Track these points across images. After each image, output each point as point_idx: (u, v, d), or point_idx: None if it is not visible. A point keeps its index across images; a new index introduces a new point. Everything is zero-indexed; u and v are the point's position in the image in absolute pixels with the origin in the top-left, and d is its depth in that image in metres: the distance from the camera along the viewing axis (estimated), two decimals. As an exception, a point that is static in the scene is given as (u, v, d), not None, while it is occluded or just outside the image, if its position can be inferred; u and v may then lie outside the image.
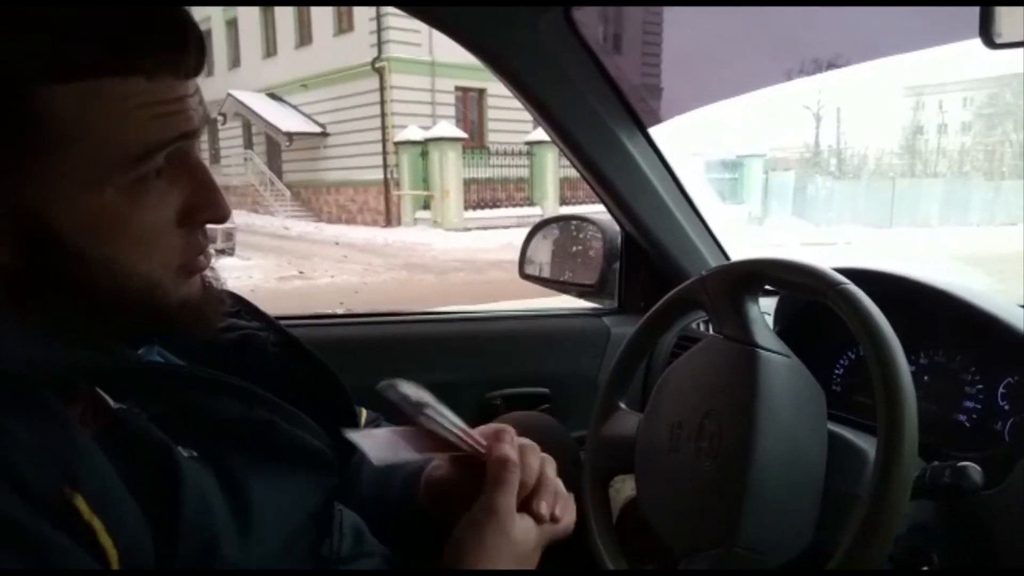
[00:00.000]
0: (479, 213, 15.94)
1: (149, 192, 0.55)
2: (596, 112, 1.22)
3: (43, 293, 0.54)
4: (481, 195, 16.36)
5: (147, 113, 0.52)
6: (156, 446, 0.53)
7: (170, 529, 0.50)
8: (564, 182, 16.94)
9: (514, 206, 16.59)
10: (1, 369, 0.47)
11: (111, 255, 0.54)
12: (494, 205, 16.47)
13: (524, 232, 1.70)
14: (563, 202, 16.72)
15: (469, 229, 14.97)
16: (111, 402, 0.53)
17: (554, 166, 16.58)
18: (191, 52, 0.55)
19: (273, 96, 19.21)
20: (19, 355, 0.49)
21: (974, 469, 0.71)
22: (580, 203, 16.00)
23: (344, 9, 17.23)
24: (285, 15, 19.06)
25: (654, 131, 1.31)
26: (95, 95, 0.50)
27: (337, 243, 13.49)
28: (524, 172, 16.91)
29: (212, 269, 0.65)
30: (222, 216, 0.60)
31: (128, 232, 0.55)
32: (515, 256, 1.69)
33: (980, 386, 0.91)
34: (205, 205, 0.59)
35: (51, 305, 0.55)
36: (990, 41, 0.69)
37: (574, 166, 1.33)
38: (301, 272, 9.75)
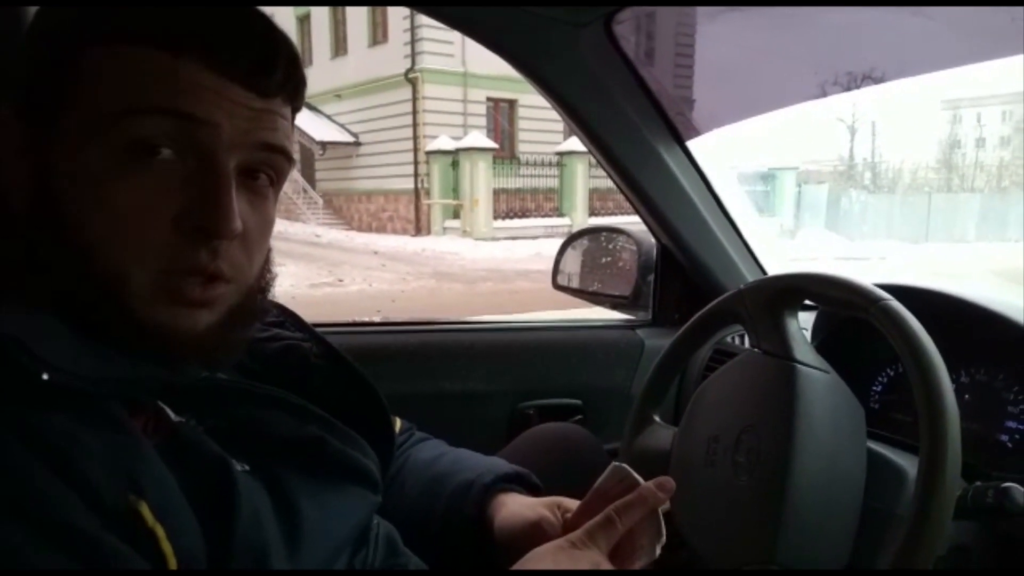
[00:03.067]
0: (508, 223, 15.97)
1: (144, 171, 0.53)
2: (634, 124, 1.23)
3: (30, 254, 0.54)
4: (510, 205, 16.39)
5: (156, 79, 0.52)
6: (213, 459, 0.54)
7: (223, 541, 0.51)
8: (593, 193, 16.92)
9: (543, 216, 16.60)
10: (74, 384, 0.49)
11: (84, 223, 0.53)
12: (523, 215, 16.49)
13: (552, 242, 1.71)
14: (592, 213, 16.70)
15: (498, 239, 14.99)
16: (172, 415, 0.55)
17: (584, 177, 16.57)
18: (257, 60, 0.56)
19: (308, 106, 19.43)
20: (86, 370, 0.50)
21: (1018, 490, 0.70)
22: (609, 214, 15.97)
23: (379, 20, 17.44)
24: (321, 27, 19.35)
25: (692, 144, 1.31)
26: (130, 59, 0.52)
27: (376, 252, 13.59)
28: (554, 183, 16.92)
29: (240, 317, 0.61)
30: (214, 227, 0.54)
31: (109, 204, 0.52)
32: (543, 266, 1.70)
33: (1023, 406, 0.90)
34: (204, 210, 0.54)
35: (33, 270, 0.54)
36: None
37: (611, 178, 1.34)
38: (340, 280, 9.85)
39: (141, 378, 0.55)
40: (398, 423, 0.94)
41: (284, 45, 0.59)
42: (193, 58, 0.53)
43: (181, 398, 0.57)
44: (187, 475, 0.52)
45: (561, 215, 16.66)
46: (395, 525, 0.78)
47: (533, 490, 0.86)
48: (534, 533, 0.75)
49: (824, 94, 1.28)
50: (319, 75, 19.01)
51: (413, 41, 16.31)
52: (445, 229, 16.12)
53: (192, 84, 0.53)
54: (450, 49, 16.07)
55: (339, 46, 19.07)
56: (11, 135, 0.55)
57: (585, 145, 1.28)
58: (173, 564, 0.48)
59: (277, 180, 0.62)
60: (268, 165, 0.60)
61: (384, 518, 0.77)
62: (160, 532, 0.47)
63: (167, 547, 0.47)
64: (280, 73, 0.58)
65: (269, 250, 0.65)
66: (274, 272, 0.68)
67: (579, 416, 1.44)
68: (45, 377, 0.47)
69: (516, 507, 0.80)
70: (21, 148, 0.55)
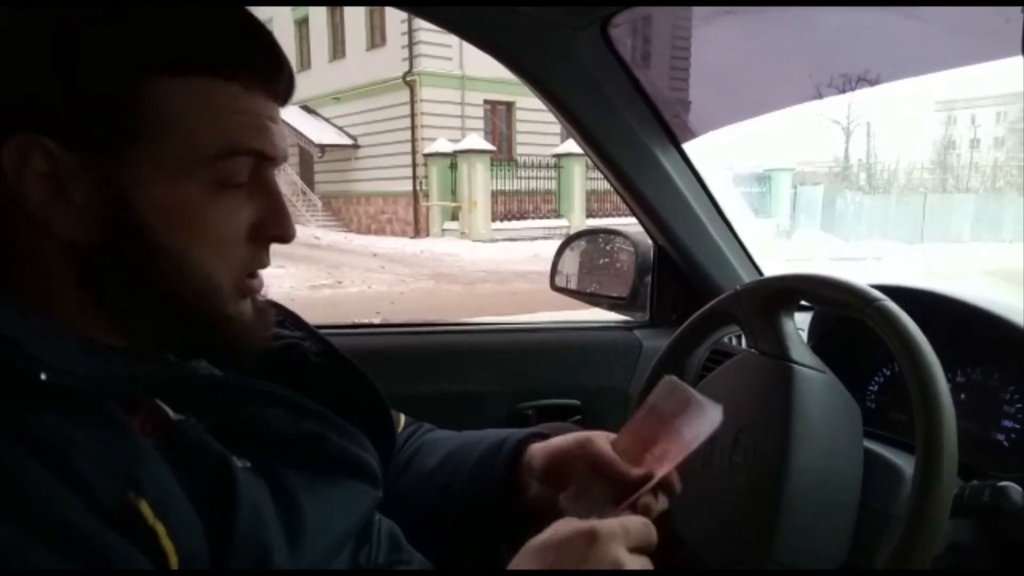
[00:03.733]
0: (506, 224, 15.97)
1: (228, 197, 0.59)
2: (630, 126, 1.23)
3: (112, 274, 0.57)
4: (508, 207, 16.40)
5: (238, 119, 0.58)
6: (213, 457, 0.54)
7: (225, 538, 0.52)
8: (591, 195, 16.93)
9: (541, 218, 16.61)
10: (71, 384, 0.49)
11: (182, 247, 0.57)
12: (521, 217, 16.50)
13: (550, 244, 1.72)
14: (590, 214, 16.71)
15: (496, 240, 15.00)
16: (171, 413, 0.55)
17: (581, 179, 16.58)
18: (284, 76, 0.61)
19: (306, 109, 19.46)
20: (82, 369, 0.51)
21: (1015, 489, 0.71)
22: (607, 216, 15.98)
23: (377, 23, 17.46)
24: (319, 30, 19.37)
25: (688, 146, 1.31)
26: (197, 91, 0.56)
27: (375, 255, 13.60)
28: (551, 184, 16.93)
29: (264, 297, 0.67)
30: (289, 235, 0.63)
31: (202, 229, 0.58)
32: (541, 267, 1.70)
33: (1019, 405, 0.90)
34: (275, 223, 0.62)
35: (116, 289, 0.57)
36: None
37: (607, 179, 1.34)
38: (340, 282, 9.85)
39: (137, 376, 0.56)
40: (402, 419, 0.95)
41: (278, 45, 0.63)
42: (255, 87, 0.58)
43: (179, 396, 0.57)
44: (187, 473, 0.52)
45: (559, 217, 16.67)
46: (402, 520, 0.78)
47: None
48: (565, 461, 0.77)
49: (819, 96, 1.28)
50: (317, 78, 19.01)
51: (411, 44, 16.33)
52: (444, 231, 16.13)
53: (264, 119, 0.59)
54: (448, 52, 16.09)
55: (337, 49, 19.07)
56: (62, 164, 0.54)
57: (581, 148, 1.29)
58: (174, 562, 0.48)
59: None
60: None
61: (390, 516, 0.77)
62: (161, 530, 0.48)
63: (168, 545, 0.48)
64: (288, 81, 0.62)
65: None
66: None
67: (578, 416, 1.44)
68: (43, 377, 0.48)
69: (549, 443, 0.81)
70: (77, 179, 0.54)
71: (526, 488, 0.80)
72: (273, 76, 0.60)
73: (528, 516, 0.78)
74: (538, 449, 0.81)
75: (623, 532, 0.58)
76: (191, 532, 0.50)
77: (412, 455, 0.89)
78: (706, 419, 0.66)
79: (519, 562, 0.58)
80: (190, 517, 0.50)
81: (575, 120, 1.22)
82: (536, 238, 14.85)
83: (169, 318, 0.59)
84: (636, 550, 0.58)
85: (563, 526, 0.59)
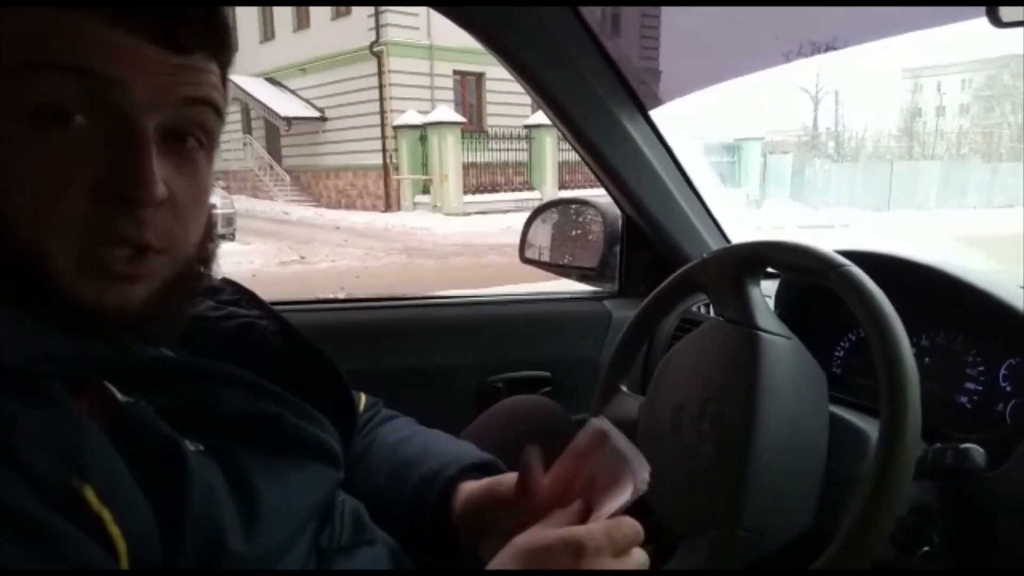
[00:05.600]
0: (478, 197, 15.90)
1: (55, 136, 0.50)
2: (597, 94, 1.22)
3: None
4: (480, 179, 16.31)
5: (61, 34, 0.50)
6: (163, 440, 0.53)
7: (177, 522, 0.50)
8: (563, 166, 16.90)
9: (513, 190, 16.55)
10: (10, 362, 0.47)
11: (3, 200, 0.50)
12: (493, 189, 16.43)
13: (523, 216, 1.70)
14: (562, 186, 16.69)
15: (468, 214, 14.94)
16: (119, 395, 0.53)
17: (553, 150, 16.52)
18: (145, 8, 0.52)
19: (271, 80, 19.10)
20: (22, 348, 0.48)
21: (977, 451, 0.72)
22: (579, 187, 15.98)
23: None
24: (282, -1, 18.95)
25: (655, 114, 1.30)
26: (15, 15, 0.50)
27: (338, 228, 13.47)
28: (523, 156, 16.86)
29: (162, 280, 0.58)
30: (136, 195, 0.51)
31: (17, 172, 0.50)
32: (514, 240, 1.69)
33: (981, 368, 0.91)
34: (122, 176, 0.51)
35: None
36: (997, 20, 0.69)
37: (574, 149, 1.33)
38: (303, 257, 9.74)
39: (81, 356, 0.52)
40: (363, 399, 0.93)
41: None
42: (95, 15, 0.50)
43: (128, 377, 0.55)
44: (136, 457, 0.50)
45: (531, 189, 16.62)
46: (364, 502, 0.77)
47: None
48: (487, 515, 0.75)
49: (787, 61, 1.28)
50: (282, 49, 18.64)
51: (377, 13, 16.05)
52: (415, 204, 16.01)
53: (96, 40, 0.50)
54: (415, 21, 15.86)
55: (301, 19, 18.68)
56: None
57: (548, 117, 1.27)
58: (122, 549, 0.46)
59: (208, 141, 0.59)
60: (195, 124, 0.57)
61: (354, 496, 0.76)
62: (107, 515, 0.46)
63: (115, 530, 0.46)
64: (194, 26, 0.55)
65: (209, 218, 0.63)
66: (216, 241, 0.65)
67: (547, 388, 1.44)
68: None
69: (474, 494, 0.78)
70: None
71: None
72: (142, 12, 0.51)
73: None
74: (459, 509, 0.78)
75: (608, 543, 0.56)
76: (139, 517, 0.48)
77: (362, 452, 0.87)
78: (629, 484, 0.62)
79: (504, 559, 0.56)
80: (138, 502, 0.49)
81: (540, 87, 1.19)
82: (508, 211, 14.80)
83: (3, 284, 0.51)
84: (623, 551, 0.57)
85: (550, 531, 0.57)
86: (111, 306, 0.53)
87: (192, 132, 0.57)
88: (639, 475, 0.61)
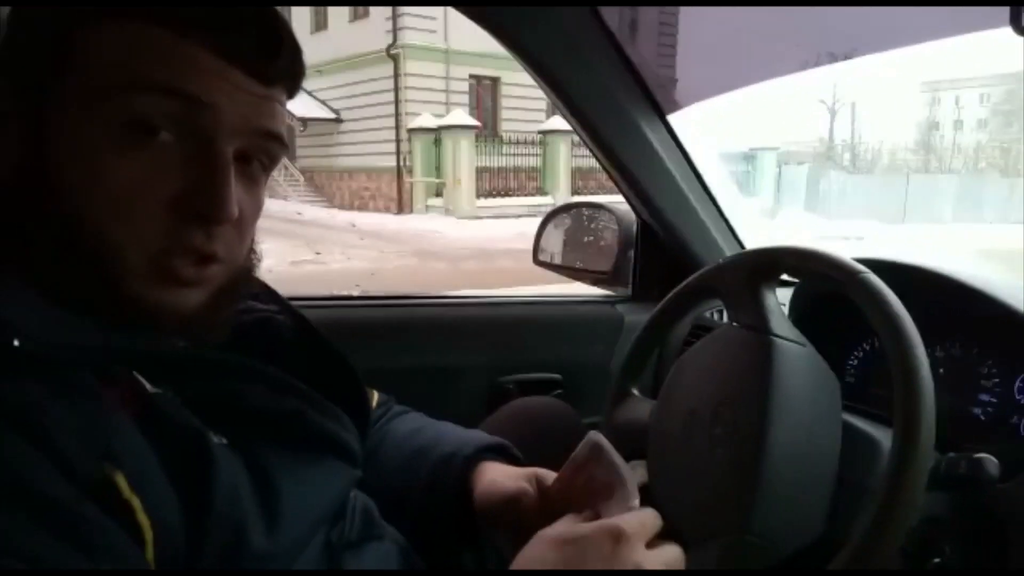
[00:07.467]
0: (491, 201, 15.92)
1: (142, 151, 0.53)
2: (615, 97, 1.22)
3: (9, 216, 0.53)
4: (493, 183, 16.34)
5: (153, 55, 0.52)
6: (191, 431, 0.53)
7: (202, 514, 0.51)
8: (576, 172, 16.89)
9: (526, 195, 16.56)
10: (46, 352, 0.47)
11: (82, 202, 0.52)
12: (506, 194, 16.44)
13: (535, 221, 1.70)
14: (575, 192, 16.68)
15: (481, 217, 14.95)
16: (148, 386, 0.54)
17: (566, 156, 16.53)
18: (242, 36, 0.55)
19: (287, 81, 19.18)
20: (56, 339, 0.49)
21: (990, 461, 0.71)
22: (592, 193, 15.95)
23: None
24: (301, 0, 19.07)
25: (672, 118, 1.30)
26: (122, 30, 0.52)
27: (354, 225, 13.49)
28: (536, 161, 16.86)
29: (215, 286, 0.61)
30: (214, 215, 0.55)
31: (106, 183, 0.52)
32: (526, 245, 1.69)
33: (997, 380, 0.91)
34: (202, 195, 0.54)
35: (15, 236, 0.53)
36: (1021, 28, 0.68)
37: (591, 151, 1.33)
38: (318, 253, 9.77)
39: (114, 347, 0.53)
40: (375, 396, 0.94)
41: (287, 33, 0.59)
42: (196, 39, 0.53)
43: (157, 369, 0.55)
44: (164, 447, 0.50)
45: (544, 194, 16.63)
46: (374, 499, 0.77)
47: (513, 461, 0.86)
48: (512, 505, 0.75)
49: (804, 68, 1.28)
50: (299, 50, 18.72)
51: (395, 16, 16.12)
52: (428, 207, 16.04)
53: (194, 65, 0.53)
54: (432, 25, 15.91)
55: (319, 21, 18.79)
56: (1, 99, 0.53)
57: (566, 119, 1.27)
58: (149, 537, 0.47)
59: (269, 166, 0.62)
60: (264, 151, 0.60)
61: (363, 492, 0.76)
62: (136, 504, 0.46)
63: (144, 519, 0.47)
64: (283, 60, 0.58)
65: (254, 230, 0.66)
66: (259, 252, 0.69)
67: (559, 390, 1.44)
68: (16, 343, 0.46)
69: (496, 475, 0.80)
70: (10, 113, 0.53)
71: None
72: (239, 41, 0.55)
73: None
74: (480, 492, 0.78)
75: (642, 529, 0.59)
76: (167, 506, 0.49)
77: (374, 448, 0.88)
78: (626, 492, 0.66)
79: (533, 551, 0.56)
80: (166, 491, 0.49)
81: (560, 90, 1.20)
82: (521, 215, 14.80)
83: (65, 280, 0.53)
84: (653, 540, 0.60)
85: (584, 521, 0.60)
86: (168, 308, 0.56)
87: (259, 158, 0.60)
88: (630, 501, 0.65)
